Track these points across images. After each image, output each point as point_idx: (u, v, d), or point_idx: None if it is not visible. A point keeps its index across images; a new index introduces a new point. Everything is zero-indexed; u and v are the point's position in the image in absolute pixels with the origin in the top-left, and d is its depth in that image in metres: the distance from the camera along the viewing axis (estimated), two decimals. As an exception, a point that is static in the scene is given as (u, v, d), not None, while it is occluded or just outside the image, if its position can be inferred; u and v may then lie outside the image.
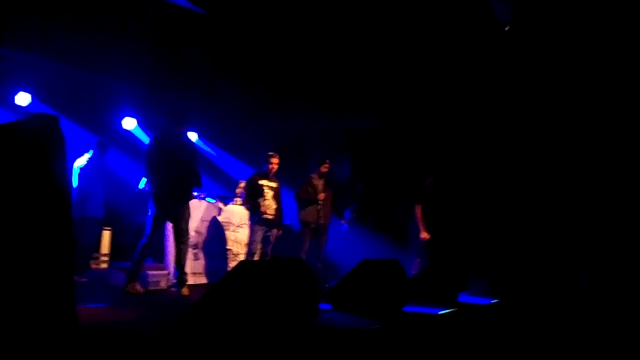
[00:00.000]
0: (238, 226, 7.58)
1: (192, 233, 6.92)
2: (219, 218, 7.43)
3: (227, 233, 7.47)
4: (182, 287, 5.64)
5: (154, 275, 6.09)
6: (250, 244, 6.90)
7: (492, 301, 6.75)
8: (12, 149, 2.27)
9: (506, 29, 6.19)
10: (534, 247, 7.90)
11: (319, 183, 7.37)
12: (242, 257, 7.26)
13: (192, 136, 9.65)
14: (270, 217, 6.81)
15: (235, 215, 7.59)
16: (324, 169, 7.39)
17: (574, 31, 6.40)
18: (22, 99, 7.20)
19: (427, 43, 7.07)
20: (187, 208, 5.82)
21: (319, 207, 7.21)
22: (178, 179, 5.65)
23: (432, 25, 6.61)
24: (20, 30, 6.65)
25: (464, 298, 6.67)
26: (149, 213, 5.91)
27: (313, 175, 7.42)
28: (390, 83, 8.24)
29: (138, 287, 5.55)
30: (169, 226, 6.47)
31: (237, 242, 7.53)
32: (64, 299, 2.45)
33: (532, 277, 7.58)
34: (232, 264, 7.20)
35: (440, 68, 7.64)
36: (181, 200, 5.74)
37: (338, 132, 10.07)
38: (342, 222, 7.77)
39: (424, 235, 7.11)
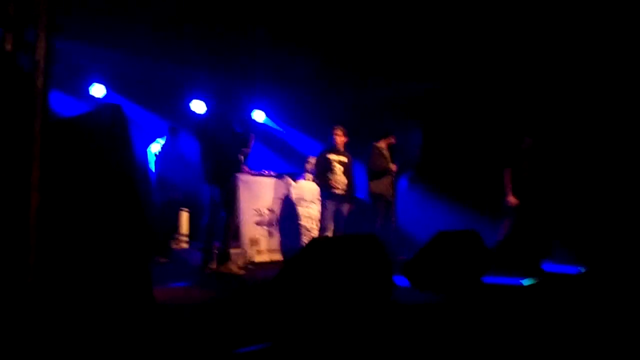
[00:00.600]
0: (310, 202, 7.58)
1: (264, 211, 7.02)
2: (291, 194, 7.46)
3: (300, 209, 7.49)
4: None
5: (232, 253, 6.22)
6: (322, 220, 6.86)
7: (581, 270, 6.38)
8: (80, 140, 2.33)
9: None
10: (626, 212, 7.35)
11: (387, 154, 7.18)
12: (315, 233, 7.26)
13: (260, 115, 9.73)
14: (340, 192, 6.73)
15: (307, 191, 7.59)
16: (392, 140, 7.18)
17: None
18: (97, 90, 7.49)
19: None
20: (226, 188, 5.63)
21: (392, 178, 7.05)
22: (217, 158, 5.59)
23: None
24: (91, 25, 6.88)
25: (549, 266, 6.36)
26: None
27: (380, 145, 7.16)
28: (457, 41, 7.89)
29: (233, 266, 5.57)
30: (242, 205, 6.59)
31: (310, 217, 7.54)
32: (140, 280, 2.51)
33: (623, 243, 7.07)
34: (305, 240, 7.23)
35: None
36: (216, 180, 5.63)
37: (406, 100, 9.77)
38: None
39: (512, 199, 6.62)
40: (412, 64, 8.66)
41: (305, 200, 7.58)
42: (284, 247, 7.18)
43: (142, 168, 6.76)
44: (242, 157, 7.15)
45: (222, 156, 5.59)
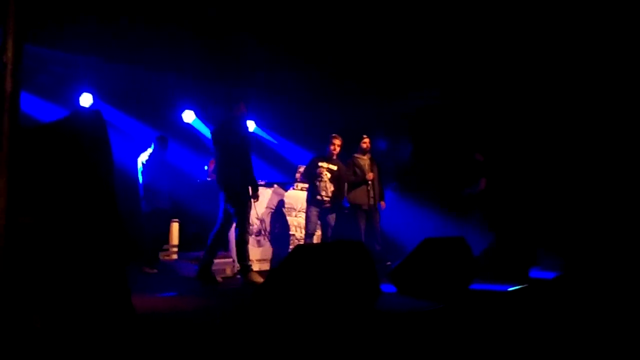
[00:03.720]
0: (300, 211, 7.60)
1: (254, 220, 7.01)
2: (281, 204, 7.47)
3: (289, 219, 7.50)
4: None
5: (219, 263, 6.21)
6: (306, 225, 6.88)
7: (561, 274, 6.42)
8: (58, 145, 2.34)
9: None
10: (609, 218, 7.42)
11: (365, 162, 7.24)
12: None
13: (250, 124, 9.75)
14: (325, 198, 6.76)
15: (297, 200, 7.61)
16: (363, 144, 7.25)
17: None
18: (86, 100, 7.48)
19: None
20: (232, 196, 5.51)
21: (368, 187, 7.09)
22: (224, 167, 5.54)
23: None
24: (77, 34, 6.90)
25: (536, 274, 6.39)
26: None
27: (357, 155, 7.28)
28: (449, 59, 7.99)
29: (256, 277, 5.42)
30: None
31: (299, 227, 7.55)
32: (117, 287, 2.49)
33: (607, 249, 7.14)
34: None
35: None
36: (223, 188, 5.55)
37: (397, 114, 9.85)
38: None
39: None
40: (404, 80, 8.76)
41: (295, 210, 7.60)
42: (274, 257, 7.18)
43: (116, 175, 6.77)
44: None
45: (241, 165, 5.52)
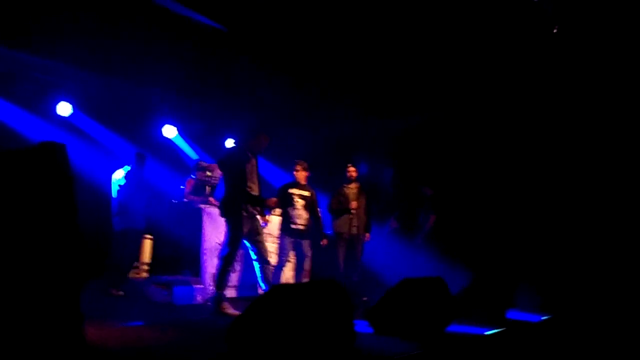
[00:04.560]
0: (277, 237, 7.41)
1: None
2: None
3: (266, 245, 7.29)
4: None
5: (190, 290, 6.01)
6: (280, 255, 6.72)
7: (545, 318, 6.35)
8: (16, 175, 2.20)
9: (554, 30, 5.87)
10: (590, 254, 7.40)
11: (351, 191, 7.13)
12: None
13: (230, 143, 9.58)
14: (300, 227, 6.61)
15: (275, 226, 7.42)
16: (347, 173, 7.17)
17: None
18: (64, 109, 7.27)
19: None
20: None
21: (351, 216, 6.98)
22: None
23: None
24: (60, 42, 6.71)
25: (513, 315, 6.31)
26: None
27: (344, 184, 7.21)
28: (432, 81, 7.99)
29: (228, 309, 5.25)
30: (205, 238, 6.40)
31: (275, 253, 7.36)
32: (68, 321, 2.32)
33: (590, 289, 7.10)
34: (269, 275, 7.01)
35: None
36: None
37: (381, 137, 9.79)
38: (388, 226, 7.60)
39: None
40: (389, 100, 8.71)
41: (272, 236, 7.41)
42: (247, 283, 6.95)
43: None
44: (209, 189, 7.02)
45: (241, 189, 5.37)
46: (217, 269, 5.38)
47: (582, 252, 7.47)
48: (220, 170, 5.55)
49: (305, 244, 6.67)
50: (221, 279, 5.28)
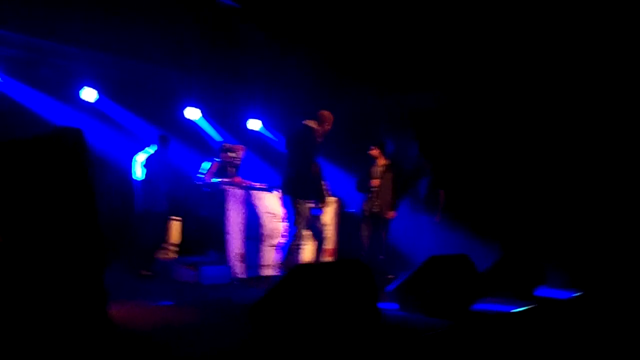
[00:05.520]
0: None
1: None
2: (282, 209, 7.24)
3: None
4: None
5: (216, 270, 6.07)
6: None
7: (575, 294, 6.23)
8: (33, 161, 2.22)
9: None
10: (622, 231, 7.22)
11: (377, 169, 7.04)
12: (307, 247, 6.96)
13: (256, 124, 9.56)
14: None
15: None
16: (371, 153, 7.09)
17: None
18: (88, 94, 7.32)
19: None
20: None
21: (372, 195, 6.93)
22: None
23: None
24: (81, 28, 6.75)
25: (542, 292, 6.21)
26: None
27: (372, 163, 7.13)
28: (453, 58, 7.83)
29: None
30: (231, 218, 6.43)
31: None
32: (92, 299, 2.34)
33: (619, 266, 6.94)
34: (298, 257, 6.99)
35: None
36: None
37: (403, 112, 9.64)
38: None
39: None
40: (410, 76, 8.57)
41: (277, 217, 7.33)
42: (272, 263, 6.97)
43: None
44: (232, 169, 7.02)
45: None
46: (285, 248, 5.59)
47: (611, 228, 7.29)
48: (292, 147, 5.74)
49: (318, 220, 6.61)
50: (289, 257, 5.52)
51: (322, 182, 5.95)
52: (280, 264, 5.70)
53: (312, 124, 5.80)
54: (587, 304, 6.00)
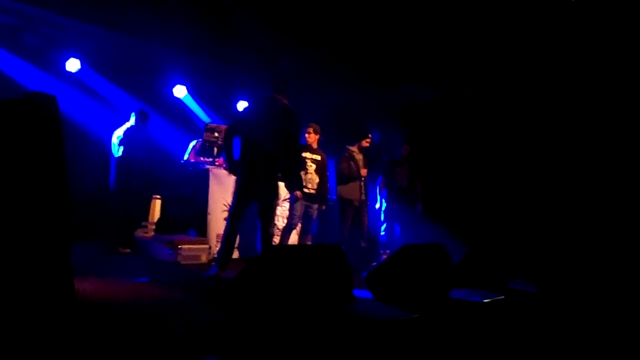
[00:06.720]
0: (284, 200, 7.44)
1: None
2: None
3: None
4: None
5: (195, 249, 6.08)
6: (290, 218, 6.73)
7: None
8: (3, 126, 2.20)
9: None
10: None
11: (360, 158, 7.08)
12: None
13: (243, 106, 9.53)
14: (311, 191, 6.61)
15: (282, 189, 7.42)
16: (365, 143, 7.09)
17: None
18: (72, 65, 7.24)
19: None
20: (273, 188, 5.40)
21: (361, 183, 6.95)
22: (267, 152, 5.17)
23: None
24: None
25: (515, 285, 6.31)
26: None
27: (353, 149, 7.10)
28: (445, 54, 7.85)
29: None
30: (211, 198, 6.44)
31: (282, 216, 7.40)
32: (57, 276, 2.34)
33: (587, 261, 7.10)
34: (276, 240, 7.06)
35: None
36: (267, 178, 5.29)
37: (391, 105, 9.68)
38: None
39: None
40: (401, 71, 8.60)
41: (279, 198, 7.41)
42: (249, 245, 7.00)
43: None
44: (216, 150, 7.02)
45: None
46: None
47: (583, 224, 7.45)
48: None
49: (314, 208, 6.68)
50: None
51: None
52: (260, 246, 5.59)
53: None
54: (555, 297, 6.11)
